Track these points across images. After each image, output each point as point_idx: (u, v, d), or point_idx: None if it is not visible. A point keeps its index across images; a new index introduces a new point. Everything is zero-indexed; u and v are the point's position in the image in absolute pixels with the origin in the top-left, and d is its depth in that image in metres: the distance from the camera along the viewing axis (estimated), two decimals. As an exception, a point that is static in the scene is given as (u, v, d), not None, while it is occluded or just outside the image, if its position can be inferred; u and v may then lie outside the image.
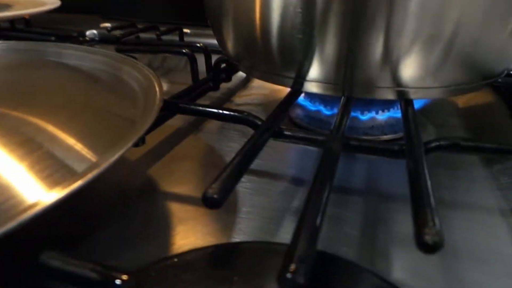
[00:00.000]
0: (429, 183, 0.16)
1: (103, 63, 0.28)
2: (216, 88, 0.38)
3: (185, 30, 0.58)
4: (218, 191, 0.14)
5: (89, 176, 0.15)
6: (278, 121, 0.22)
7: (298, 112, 0.34)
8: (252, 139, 0.20)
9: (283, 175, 0.27)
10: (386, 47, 0.22)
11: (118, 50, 0.40)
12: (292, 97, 0.25)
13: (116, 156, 0.17)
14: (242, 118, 0.22)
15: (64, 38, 0.47)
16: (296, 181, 0.26)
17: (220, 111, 0.23)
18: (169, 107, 0.24)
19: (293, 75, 0.25)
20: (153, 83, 0.22)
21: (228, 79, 0.40)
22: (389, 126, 0.31)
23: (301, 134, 0.22)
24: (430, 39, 0.22)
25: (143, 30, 0.50)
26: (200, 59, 0.43)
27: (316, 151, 0.30)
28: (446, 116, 0.36)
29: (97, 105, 0.24)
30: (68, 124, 0.21)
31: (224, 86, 0.43)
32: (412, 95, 0.24)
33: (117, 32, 0.52)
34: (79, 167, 0.19)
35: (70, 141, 0.21)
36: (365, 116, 0.31)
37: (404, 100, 0.24)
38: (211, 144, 0.31)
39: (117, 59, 0.28)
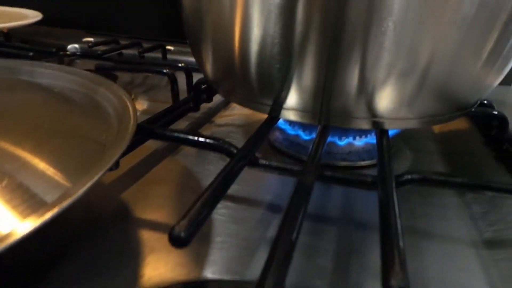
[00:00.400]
0: (399, 222, 0.16)
1: (77, 83, 0.28)
2: (196, 109, 0.37)
3: (169, 47, 0.58)
4: (185, 228, 0.14)
5: (60, 207, 0.15)
6: (253, 149, 0.22)
7: (277, 135, 0.34)
8: (226, 169, 0.19)
9: (260, 201, 0.27)
10: (361, 79, 0.22)
11: (98, 68, 0.39)
12: (269, 124, 0.25)
13: (85, 187, 0.16)
14: (217, 146, 0.22)
15: (43, 53, 0.46)
16: (274, 208, 0.26)
17: (195, 138, 0.23)
18: (143, 132, 0.24)
19: (270, 102, 0.25)
20: (127, 107, 0.22)
21: (209, 99, 0.40)
22: (366, 152, 0.31)
23: (275, 164, 0.22)
24: (404, 72, 0.22)
25: (126, 47, 0.50)
26: (183, 77, 0.43)
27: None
28: (423, 141, 0.37)
29: (69, 129, 0.23)
30: (38, 150, 0.21)
31: (205, 105, 0.42)
32: (387, 125, 0.24)
33: (99, 48, 0.52)
34: (49, 196, 0.19)
35: (40, 168, 0.20)
36: (342, 142, 0.31)
37: (379, 129, 0.25)
38: (189, 167, 0.31)
39: (92, 79, 0.27)
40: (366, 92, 0.23)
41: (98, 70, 0.40)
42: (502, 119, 0.31)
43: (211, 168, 0.31)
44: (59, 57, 0.54)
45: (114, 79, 0.45)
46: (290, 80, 0.23)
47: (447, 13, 0.20)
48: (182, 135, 0.23)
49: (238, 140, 0.37)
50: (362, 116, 0.24)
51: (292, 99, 0.24)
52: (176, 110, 0.35)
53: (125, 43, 0.52)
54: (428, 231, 0.24)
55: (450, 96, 0.24)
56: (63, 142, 0.22)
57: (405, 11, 0.20)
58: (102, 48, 0.52)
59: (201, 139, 0.23)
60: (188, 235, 0.14)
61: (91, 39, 0.61)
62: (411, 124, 0.25)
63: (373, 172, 0.24)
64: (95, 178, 0.17)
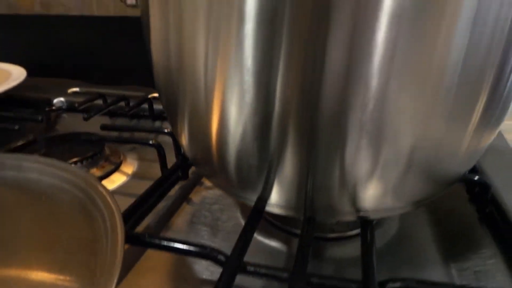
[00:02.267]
0: None
1: (68, 181, 0.28)
2: (185, 176, 0.38)
3: (154, 95, 0.57)
4: None
5: None
6: (242, 256, 0.22)
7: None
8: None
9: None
10: (342, 177, 0.22)
11: (85, 140, 0.40)
12: (255, 219, 0.25)
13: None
14: (205, 254, 0.23)
15: (28, 120, 0.46)
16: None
17: (183, 247, 0.23)
18: (135, 241, 0.25)
19: (253, 198, 0.25)
20: (116, 227, 0.22)
21: (197, 163, 0.40)
22: (354, 221, 0.32)
23: (264, 271, 0.22)
24: (386, 167, 0.22)
25: (112, 103, 0.50)
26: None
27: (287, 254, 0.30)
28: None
29: (61, 242, 0.24)
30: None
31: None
32: (372, 216, 0.25)
33: (85, 105, 0.52)
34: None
35: None
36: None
37: (364, 220, 0.25)
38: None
39: (80, 176, 0.27)
40: (348, 189, 0.23)
41: (85, 142, 0.40)
42: (483, 184, 0.31)
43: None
44: (46, 114, 0.54)
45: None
46: (271, 180, 0.23)
47: (427, 98, 0.19)
48: (170, 244, 0.23)
49: (227, 205, 0.37)
50: (346, 210, 0.24)
51: (275, 196, 0.24)
52: (165, 182, 0.36)
53: (110, 100, 0.53)
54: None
55: (440, 175, 0.24)
56: (56, 257, 0.23)
57: (381, 107, 0.19)
58: (87, 104, 0.52)
59: (188, 247, 0.23)
60: None
61: (76, 89, 0.61)
62: (397, 211, 0.25)
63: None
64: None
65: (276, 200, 0.25)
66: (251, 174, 0.23)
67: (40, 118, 0.44)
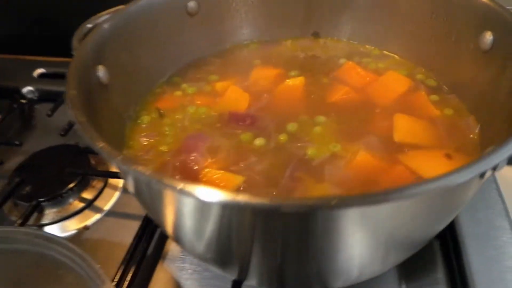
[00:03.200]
0: None
1: (60, 253, 0.31)
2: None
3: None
4: None
5: None
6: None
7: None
8: None
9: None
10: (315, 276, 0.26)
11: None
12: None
13: None
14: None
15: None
16: None
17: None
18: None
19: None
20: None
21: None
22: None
23: None
24: (363, 267, 0.26)
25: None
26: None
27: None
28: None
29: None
30: None
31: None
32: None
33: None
34: None
35: None
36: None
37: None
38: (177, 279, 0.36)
39: (74, 252, 0.30)
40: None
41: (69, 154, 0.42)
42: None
43: (196, 276, 0.36)
44: (19, 108, 0.53)
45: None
46: (241, 276, 0.27)
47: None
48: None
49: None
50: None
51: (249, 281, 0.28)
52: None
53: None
54: None
55: (418, 245, 0.28)
56: None
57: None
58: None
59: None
60: None
61: (42, 69, 0.58)
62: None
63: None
64: None
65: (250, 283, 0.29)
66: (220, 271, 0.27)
67: (18, 142, 0.44)
